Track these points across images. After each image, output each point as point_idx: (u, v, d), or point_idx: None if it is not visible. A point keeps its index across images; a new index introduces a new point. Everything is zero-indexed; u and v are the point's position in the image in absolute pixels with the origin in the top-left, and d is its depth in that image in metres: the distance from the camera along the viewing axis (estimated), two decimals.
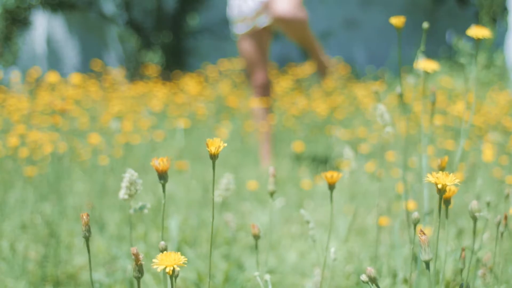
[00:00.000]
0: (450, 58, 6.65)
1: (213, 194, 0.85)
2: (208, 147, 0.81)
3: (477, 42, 1.02)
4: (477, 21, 7.12)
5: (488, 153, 2.18)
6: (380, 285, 1.43)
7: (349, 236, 1.89)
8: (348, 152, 1.64)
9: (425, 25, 1.15)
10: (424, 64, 1.10)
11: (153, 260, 0.74)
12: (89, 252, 0.82)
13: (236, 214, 2.15)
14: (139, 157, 3.01)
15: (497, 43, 6.42)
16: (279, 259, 1.72)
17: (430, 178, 0.79)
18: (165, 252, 0.76)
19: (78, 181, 2.61)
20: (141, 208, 1.00)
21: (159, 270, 0.73)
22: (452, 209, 1.93)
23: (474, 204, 0.86)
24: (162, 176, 0.85)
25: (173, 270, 0.74)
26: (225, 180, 1.32)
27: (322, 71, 3.00)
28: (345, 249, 1.76)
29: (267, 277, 0.98)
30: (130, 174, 0.97)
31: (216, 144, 0.81)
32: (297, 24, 2.75)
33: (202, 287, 1.51)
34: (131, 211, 1.00)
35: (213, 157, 0.82)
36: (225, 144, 0.83)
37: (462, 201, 2.13)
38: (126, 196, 0.97)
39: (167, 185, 2.53)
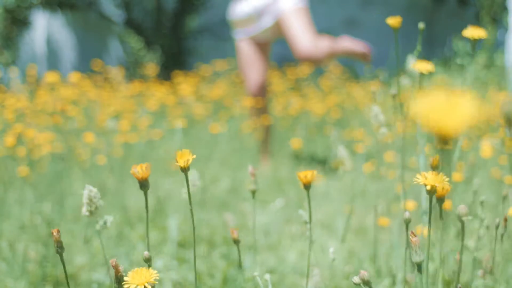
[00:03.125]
0: (450, 59, 6.65)
1: (190, 205, 0.83)
2: (177, 161, 0.77)
3: (474, 43, 1.02)
4: (477, 21, 7.12)
5: (486, 149, 2.18)
6: (379, 285, 1.43)
7: (347, 236, 1.89)
8: (341, 151, 1.64)
9: (421, 25, 1.15)
10: (419, 65, 1.10)
11: (125, 278, 0.73)
12: (64, 267, 0.81)
13: (236, 214, 2.15)
14: (137, 157, 3.01)
15: (497, 43, 6.42)
16: (279, 259, 1.72)
17: (419, 179, 0.78)
18: (136, 268, 0.74)
19: (77, 181, 2.61)
20: (105, 222, 0.98)
21: None
22: (452, 209, 1.93)
23: (461, 208, 0.86)
24: (143, 184, 0.82)
25: None
26: (191, 177, 1.30)
27: (361, 59, 3.01)
28: (345, 249, 1.76)
29: (267, 276, 0.98)
30: (88, 191, 0.95)
31: (185, 157, 0.78)
32: (323, 57, 2.81)
33: (201, 287, 1.51)
34: (97, 227, 0.98)
35: (184, 170, 0.79)
36: (194, 156, 0.79)
37: (462, 201, 2.13)
38: (87, 213, 0.95)
39: (167, 185, 2.54)
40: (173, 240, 1.75)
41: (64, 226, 1.93)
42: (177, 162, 0.78)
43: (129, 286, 0.72)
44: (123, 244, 1.79)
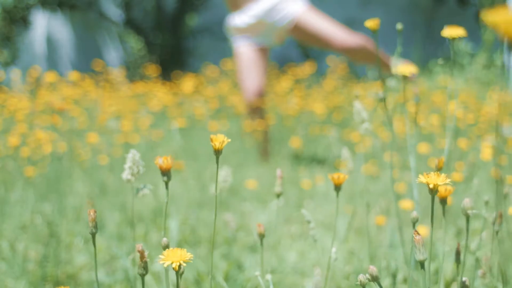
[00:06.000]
0: (450, 59, 6.65)
1: (216, 191, 0.85)
2: (212, 142, 0.82)
3: (452, 42, 1.01)
4: (477, 21, 7.12)
5: (486, 151, 2.18)
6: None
7: (348, 236, 1.89)
8: (345, 153, 1.65)
9: (399, 26, 1.15)
10: (402, 67, 1.10)
11: (159, 256, 0.76)
12: (95, 247, 0.83)
13: (236, 214, 2.15)
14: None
15: (497, 43, 6.42)
16: (279, 259, 1.72)
17: (422, 178, 0.79)
18: (171, 248, 0.77)
19: (78, 181, 2.61)
20: (144, 187, 0.99)
21: (165, 265, 0.74)
22: (452, 209, 1.94)
23: (466, 202, 0.86)
24: (166, 174, 0.86)
25: (179, 266, 0.75)
26: (224, 172, 1.33)
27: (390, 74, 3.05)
28: (345, 249, 1.76)
29: (269, 277, 0.98)
30: (132, 154, 0.98)
31: (219, 140, 0.82)
32: (360, 49, 2.83)
33: (202, 286, 1.52)
34: (136, 191, 0.99)
35: (217, 152, 0.83)
36: (229, 140, 0.83)
37: (462, 200, 2.13)
38: (129, 177, 0.97)
39: None
40: (174, 239, 1.75)
41: (65, 226, 1.93)
42: (212, 143, 0.82)
43: (164, 263, 0.74)
44: (124, 244, 1.80)
